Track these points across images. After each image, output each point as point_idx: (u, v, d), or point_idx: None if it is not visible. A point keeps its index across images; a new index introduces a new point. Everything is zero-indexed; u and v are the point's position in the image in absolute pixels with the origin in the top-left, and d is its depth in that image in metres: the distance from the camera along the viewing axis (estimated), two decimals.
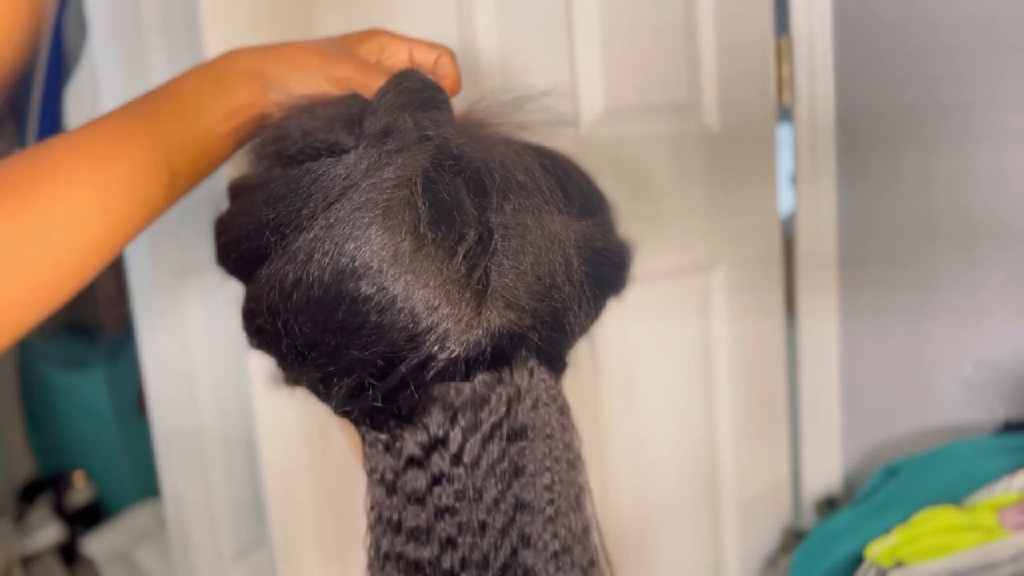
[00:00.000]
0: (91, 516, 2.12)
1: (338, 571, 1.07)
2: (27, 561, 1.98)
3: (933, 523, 1.07)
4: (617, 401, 1.29)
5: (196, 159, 0.47)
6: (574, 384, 0.49)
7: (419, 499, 0.43)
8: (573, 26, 1.18)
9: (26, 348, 2.15)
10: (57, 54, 1.40)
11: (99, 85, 1.32)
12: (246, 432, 1.35)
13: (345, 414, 0.45)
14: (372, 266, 0.40)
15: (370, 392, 0.43)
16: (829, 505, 1.50)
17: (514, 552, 0.44)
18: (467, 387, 0.43)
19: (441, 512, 0.43)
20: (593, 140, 1.20)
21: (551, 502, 0.44)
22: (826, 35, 1.40)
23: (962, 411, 1.32)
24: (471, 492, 0.43)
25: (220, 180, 0.52)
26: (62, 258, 0.39)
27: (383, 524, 0.44)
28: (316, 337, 0.42)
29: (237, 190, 0.48)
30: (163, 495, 1.46)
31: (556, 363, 0.47)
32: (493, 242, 0.42)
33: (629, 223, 0.52)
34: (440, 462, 0.43)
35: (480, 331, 0.41)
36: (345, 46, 0.53)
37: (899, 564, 1.07)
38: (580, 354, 0.50)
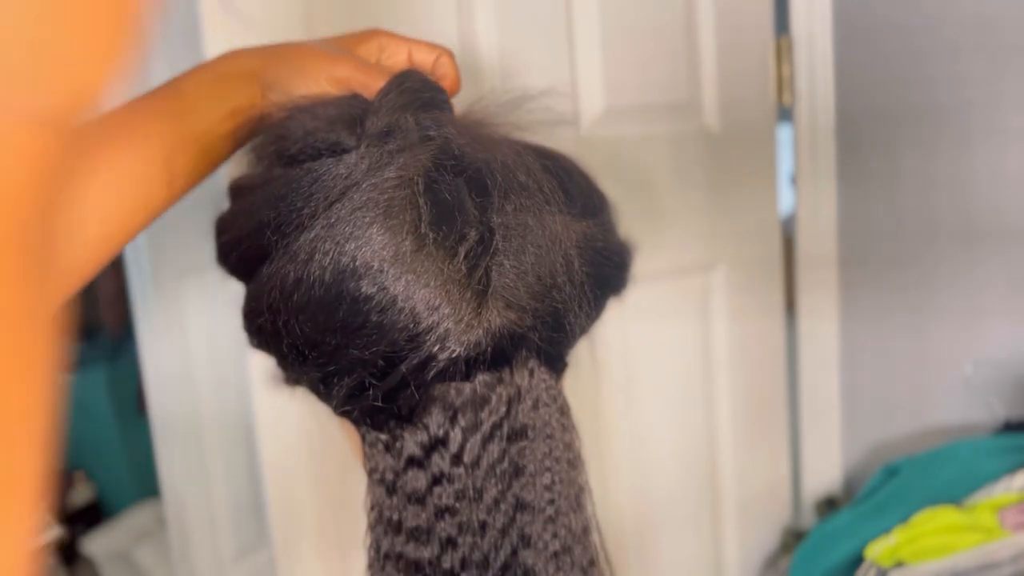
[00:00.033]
0: (91, 516, 2.12)
1: (338, 571, 1.07)
2: None
3: (933, 523, 1.07)
4: (617, 401, 1.29)
5: (196, 159, 0.47)
6: (574, 384, 0.49)
7: (419, 499, 0.43)
8: (573, 26, 1.18)
9: None
10: None
11: None
12: (246, 432, 1.35)
13: (345, 414, 0.45)
14: (373, 266, 0.40)
15: (370, 392, 0.43)
16: (829, 505, 1.50)
17: (514, 552, 0.44)
18: (467, 387, 0.43)
19: (441, 512, 0.43)
20: (593, 140, 1.20)
21: (551, 502, 0.44)
22: (826, 35, 1.40)
23: (962, 411, 1.32)
24: (471, 492, 0.43)
25: (220, 180, 0.52)
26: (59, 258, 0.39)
27: (383, 524, 0.44)
28: (317, 337, 0.42)
29: (237, 190, 0.48)
30: (163, 495, 1.46)
31: (556, 363, 0.47)
32: (494, 242, 0.42)
33: (629, 223, 0.52)
34: (440, 462, 0.43)
35: (480, 331, 0.41)
36: (344, 46, 0.53)
37: (899, 564, 1.07)
38: (580, 354, 0.50)
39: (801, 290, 1.50)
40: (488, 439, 0.43)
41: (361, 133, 0.45)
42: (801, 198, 1.48)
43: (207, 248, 0.49)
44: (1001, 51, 1.19)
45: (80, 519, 2.10)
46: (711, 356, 1.38)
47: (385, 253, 0.40)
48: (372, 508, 0.45)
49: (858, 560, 1.13)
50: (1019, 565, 0.98)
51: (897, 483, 1.21)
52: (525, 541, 0.44)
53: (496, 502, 0.43)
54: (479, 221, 0.42)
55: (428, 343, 0.41)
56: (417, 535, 0.44)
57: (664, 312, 1.30)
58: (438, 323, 0.40)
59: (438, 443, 0.43)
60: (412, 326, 0.40)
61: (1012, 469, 1.10)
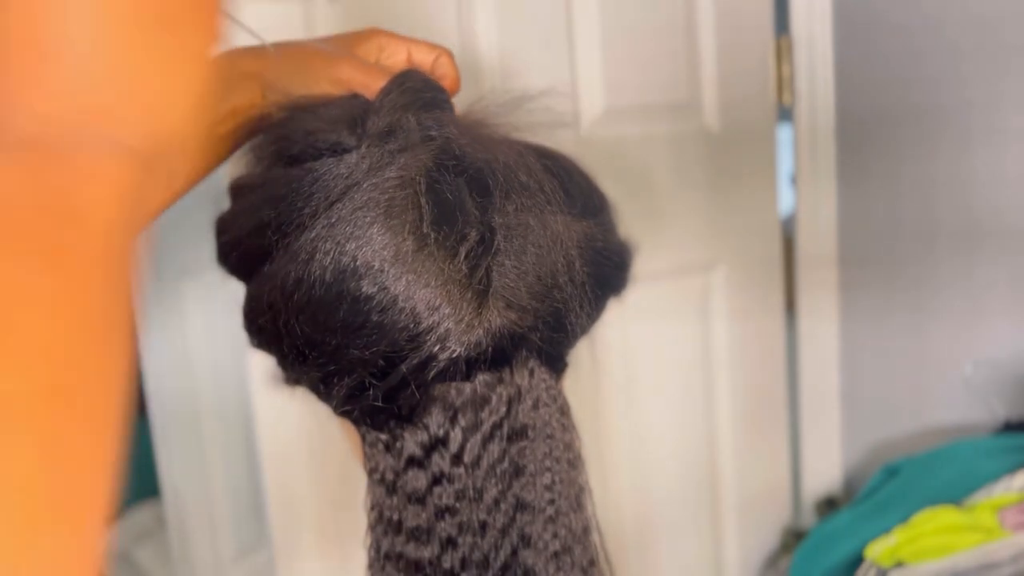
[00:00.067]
0: None
1: (338, 571, 1.07)
2: None
3: (933, 523, 1.07)
4: (617, 401, 1.29)
5: (195, 159, 0.47)
6: (574, 384, 0.49)
7: (419, 499, 0.43)
8: (573, 26, 1.18)
9: None
10: None
11: None
12: (246, 432, 1.35)
13: (345, 414, 0.45)
14: (373, 266, 0.40)
15: (371, 392, 0.43)
16: (829, 505, 1.50)
17: (514, 552, 0.44)
18: (468, 387, 0.43)
19: (441, 512, 0.43)
20: (593, 140, 1.20)
21: (551, 502, 0.44)
22: (826, 35, 1.40)
23: (962, 411, 1.32)
24: (471, 492, 0.43)
25: (220, 180, 0.52)
26: None
27: (383, 524, 0.44)
28: (317, 336, 0.42)
29: (238, 190, 0.48)
30: (163, 495, 1.46)
31: (557, 363, 0.47)
32: (495, 242, 0.42)
33: (629, 223, 0.52)
34: (440, 462, 0.43)
35: (481, 331, 0.41)
36: (344, 46, 0.53)
37: (899, 564, 1.07)
38: (580, 354, 0.50)
39: (801, 290, 1.50)
40: (488, 439, 0.43)
41: (362, 133, 0.45)
42: (801, 198, 1.48)
43: (207, 248, 0.49)
44: (1001, 51, 1.19)
45: None
46: (711, 356, 1.38)
47: (386, 253, 0.40)
48: (372, 508, 0.45)
49: (858, 560, 1.13)
50: (1019, 565, 0.98)
51: (897, 483, 1.21)
52: (525, 541, 0.44)
53: (496, 502, 0.43)
54: (480, 221, 0.42)
55: (428, 343, 0.41)
56: (417, 535, 0.44)
57: (664, 312, 1.30)
58: (438, 323, 0.40)
59: (438, 443, 0.43)
60: (412, 326, 0.40)
61: (1012, 469, 1.10)
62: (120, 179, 0.26)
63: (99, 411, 0.24)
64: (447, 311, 0.40)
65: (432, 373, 0.42)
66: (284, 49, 0.51)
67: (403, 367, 0.42)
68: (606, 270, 0.48)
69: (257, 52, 0.50)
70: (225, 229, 0.47)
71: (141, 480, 2.01)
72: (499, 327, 0.42)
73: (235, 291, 0.48)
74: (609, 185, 0.52)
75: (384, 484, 0.44)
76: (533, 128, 0.49)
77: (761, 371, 1.44)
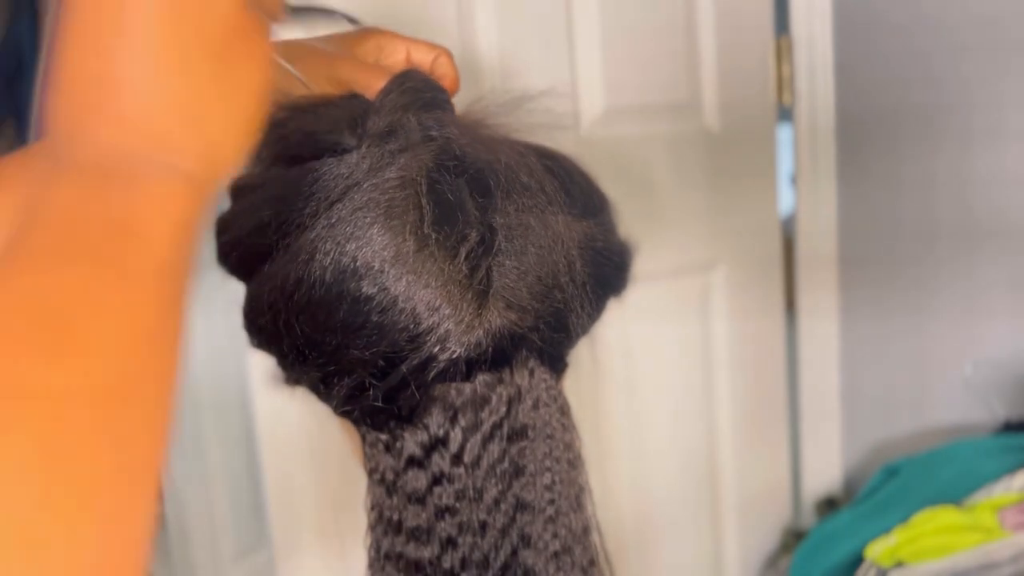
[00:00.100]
0: None
1: (338, 571, 1.07)
2: None
3: (933, 523, 1.07)
4: (617, 401, 1.29)
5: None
6: (574, 384, 0.49)
7: (419, 499, 0.43)
8: (573, 26, 1.18)
9: None
10: None
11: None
12: (246, 432, 1.35)
13: (345, 414, 0.45)
14: (373, 266, 0.40)
15: (371, 392, 0.43)
16: (829, 505, 1.50)
17: (514, 552, 0.44)
18: (468, 387, 0.43)
19: (441, 512, 0.43)
20: (593, 140, 1.20)
21: (551, 502, 0.44)
22: (826, 35, 1.40)
23: (962, 411, 1.32)
24: (471, 492, 0.43)
25: None
26: None
27: (383, 524, 0.44)
28: (317, 337, 0.42)
29: (238, 190, 0.48)
30: (163, 495, 1.46)
31: (557, 363, 0.47)
32: (496, 242, 0.42)
33: (629, 223, 0.52)
34: (440, 462, 0.43)
35: (481, 332, 0.41)
36: (343, 46, 0.53)
37: (899, 564, 1.07)
38: (581, 354, 0.50)
39: (801, 290, 1.50)
40: (488, 439, 0.43)
41: (362, 133, 0.45)
42: (801, 198, 1.48)
43: (207, 248, 0.49)
44: (1002, 51, 1.19)
45: None
46: (711, 356, 1.38)
47: (386, 253, 0.40)
48: (372, 508, 0.45)
49: (858, 560, 1.13)
50: (1019, 565, 0.98)
51: (897, 483, 1.21)
52: (525, 541, 0.44)
53: (496, 502, 0.43)
54: (480, 221, 0.42)
55: (429, 344, 0.41)
56: (417, 535, 0.44)
57: (664, 312, 1.30)
58: (439, 324, 0.40)
59: (438, 443, 0.43)
60: (413, 327, 0.40)
61: (1012, 469, 1.10)
62: (176, 202, 0.29)
63: (152, 405, 0.27)
64: (447, 312, 0.40)
65: (432, 373, 0.42)
66: (284, 49, 0.51)
67: (403, 367, 0.42)
68: (606, 270, 0.48)
69: None
70: (225, 229, 0.47)
71: None
72: (499, 327, 0.42)
73: (235, 291, 0.48)
74: (609, 185, 0.52)
75: (384, 484, 0.44)
76: (533, 128, 0.49)
77: (761, 371, 1.44)
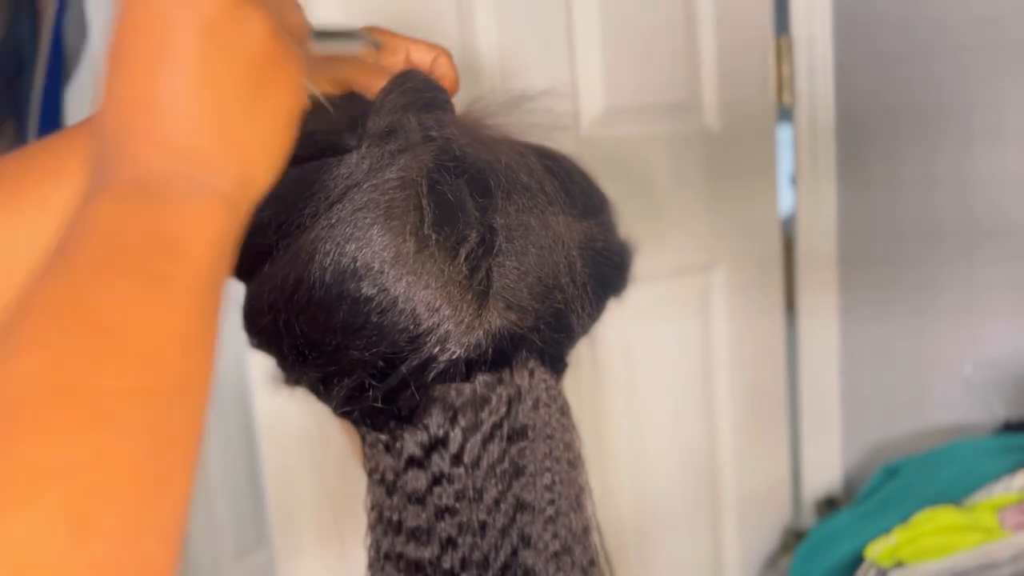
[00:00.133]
0: None
1: (338, 571, 1.07)
2: None
3: (933, 523, 1.07)
4: (617, 401, 1.29)
5: None
6: (574, 384, 0.49)
7: (419, 499, 0.43)
8: (573, 26, 1.18)
9: None
10: (57, 54, 1.40)
11: (99, 85, 1.32)
12: (246, 432, 1.35)
13: (345, 414, 0.45)
14: (373, 267, 0.40)
15: (370, 393, 0.43)
16: (829, 505, 1.50)
17: (514, 552, 0.44)
18: (467, 388, 0.43)
19: (441, 512, 0.43)
20: (593, 140, 1.20)
21: (551, 502, 0.44)
22: (826, 35, 1.40)
23: (962, 411, 1.32)
24: (471, 492, 0.43)
25: None
26: None
27: (383, 524, 0.44)
28: (317, 337, 0.42)
29: None
30: None
31: (557, 363, 0.47)
32: (496, 243, 0.42)
33: (629, 223, 0.52)
34: (440, 462, 0.43)
35: (481, 332, 0.41)
36: None
37: (899, 564, 1.07)
38: (581, 354, 0.50)
39: (801, 290, 1.50)
40: (488, 439, 0.43)
41: (362, 133, 0.45)
42: (801, 198, 1.48)
43: None
44: (1002, 51, 1.19)
45: None
46: (711, 356, 1.38)
47: (386, 254, 0.40)
48: (372, 508, 0.45)
49: (858, 560, 1.13)
50: (1019, 565, 0.98)
51: (897, 483, 1.21)
52: (525, 541, 0.44)
53: (496, 502, 0.43)
54: (480, 222, 0.42)
55: (428, 344, 0.41)
56: (417, 535, 0.44)
57: (664, 312, 1.30)
58: (439, 324, 0.40)
59: (438, 443, 0.43)
60: (412, 327, 0.40)
61: (1012, 469, 1.10)
62: (214, 220, 0.31)
63: (190, 408, 0.29)
64: (447, 312, 0.40)
65: (432, 374, 0.42)
66: None
67: (403, 368, 0.41)
68: (606, 270, 0.48)
69: None
70: None
71: None
72: (499, 328, 0.42)
73: (235, 291, 0.48)
74: (609, 185, 0.52)
75: (384, 484, 0.44)
76: (533, 128, 0.48)
77: (761, 371, 1.44)
